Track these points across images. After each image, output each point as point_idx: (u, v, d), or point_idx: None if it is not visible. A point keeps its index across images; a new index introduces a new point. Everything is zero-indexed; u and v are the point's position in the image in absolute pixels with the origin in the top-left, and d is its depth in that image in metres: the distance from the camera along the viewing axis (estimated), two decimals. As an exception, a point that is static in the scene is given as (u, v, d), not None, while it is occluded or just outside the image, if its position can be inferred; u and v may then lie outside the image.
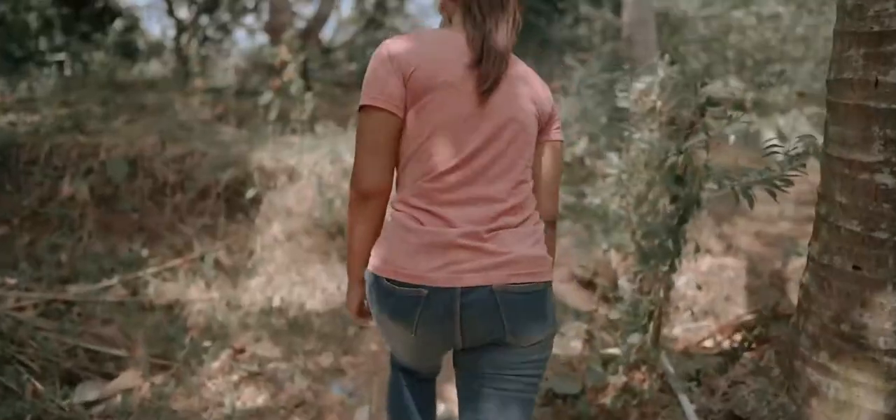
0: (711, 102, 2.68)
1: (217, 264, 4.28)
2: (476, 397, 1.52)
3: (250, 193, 4.57)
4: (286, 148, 5.35)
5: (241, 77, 13.37)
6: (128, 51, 14.05)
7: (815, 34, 10.27)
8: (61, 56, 10.35)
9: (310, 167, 5.00)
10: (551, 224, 1.61)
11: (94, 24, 12.70)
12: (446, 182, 1.42)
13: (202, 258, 4.21)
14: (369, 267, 1.49)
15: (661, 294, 2.99)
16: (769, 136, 12.57)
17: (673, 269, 2.90)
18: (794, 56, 10.02)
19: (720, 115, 2.76)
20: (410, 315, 1.42)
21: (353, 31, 18.47)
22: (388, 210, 1.52)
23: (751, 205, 2.49)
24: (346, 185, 4.91)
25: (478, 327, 1.42)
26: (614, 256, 4.26)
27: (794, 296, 4.46)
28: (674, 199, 2.82)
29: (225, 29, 16.06)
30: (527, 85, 1.51)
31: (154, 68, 14.66)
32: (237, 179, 4.74)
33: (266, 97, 7.50)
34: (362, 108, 1.42)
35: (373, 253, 1.50)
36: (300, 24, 10.12)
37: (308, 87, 7.79)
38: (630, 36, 7.79)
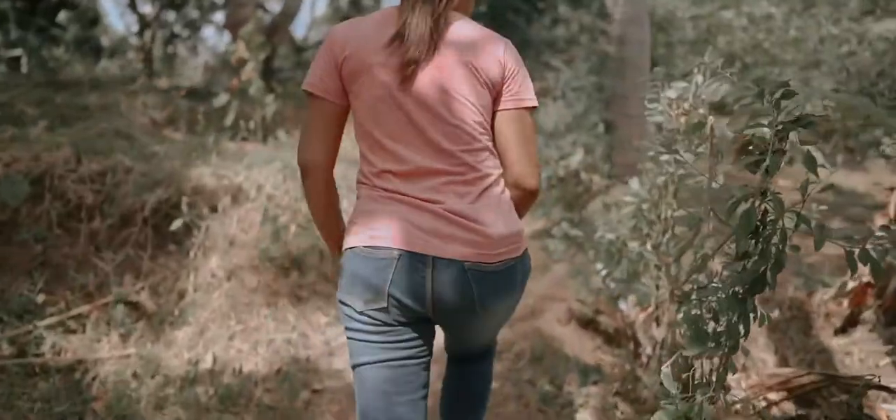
0: (804, 121, 1.79)
1: (137, 310, 3.32)
2: (446, 333, 1.69)
3: (181, 220, 3.60)
4: (235, 161, 4.39)
5: (210, 76, 12.33)
6: (91, 47, 12.95)
7: (809, 36, 9.55)
8: (18, 52, 9.26)
9: (260, 185, 4.05)
10: (525, 192, 1.54)
11: (51, 18, 11.47)
12: (390, 157, 1.43)
13: (116, 303, 3.24)
14: (344, 248, 1.48)
15: (716, 378, 2.12)
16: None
17: (735, 349, 2.03)
18: (784, 59, 9.29)
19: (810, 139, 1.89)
20: (381, 280, 1.40)
21: (327, 31, 17.49)
22: (357, 189, 1.53)
23: (877, 275, 1.61)
24: (303, 207, 3.98)
25: (447, 299, 1.42)
26: (633, 305, 3.38)
27: (828, 338, 3.67)
28: (743, 255, 1.96)
29: (193, 25, 14.95)
30: (469, 52, 1.45)
31: (117, 66, 13.60)
32: (169, 202, 3.77)
33: (221, 99, 6.52)
34: (305, 91, 1.48)
35: (346, 235, 1.49)
36: (267, 20, 9.10)
37: (270, 89, 6.82)
38: (622, 34, 6.94)
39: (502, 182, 1.51)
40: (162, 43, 14.89)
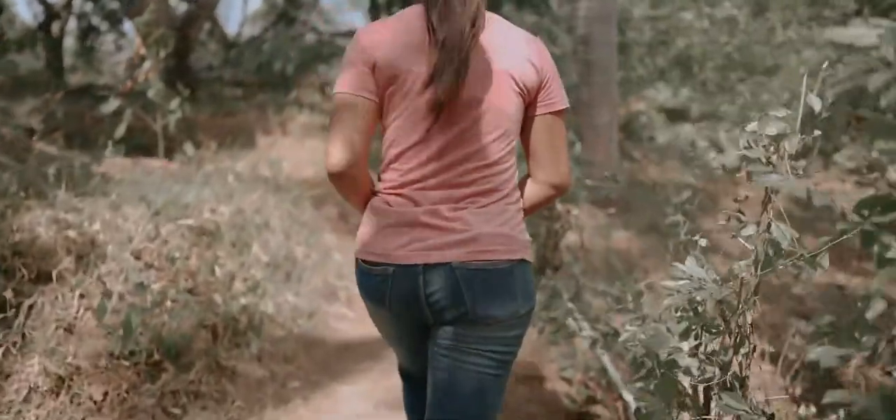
0: None
1: None
2: (433, 365, 1.44)
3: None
4: (98, 195, 3.04)
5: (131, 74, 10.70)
6: (-6, 39, 11.06)
7: (770, 38, 8.78)
8: None
9: (127, 236, 2.73)
10: (558, 189, 1.47)
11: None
12: (410, 166, 1.36)
13: None
14: (354, 251, 1.45)
15: None
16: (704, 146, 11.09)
17: None
18: (744, 63, 8.49)
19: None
20: (381, 293, 1.38)
21: (264, 25, 16.03)
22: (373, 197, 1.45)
23: None
24: (190, 266, 2.69)
25: (441, 303, 1.35)
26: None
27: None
28: None
29: (113, 17, 13.12)
30: (505, 57, 1.35)
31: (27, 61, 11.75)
32: (-21, 266, 2.41)
33: (110, 105, 5.08)
34: (336, 92, 1.37)
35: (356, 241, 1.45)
36: (181, 10, 7.60)
37: (177, 92, 5.42)
38: (587, 34, 5.88)
39: (514, 194, 1.43)
40: (78, 36, 13.00)
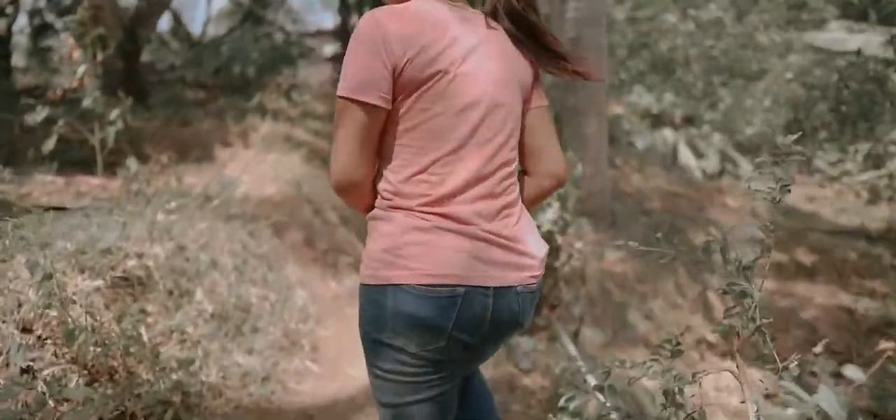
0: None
1: None
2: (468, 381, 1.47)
3: None
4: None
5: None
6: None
7: (751, 42, 8.34)
8: None
9: (16, 299, 2.04)
10: (558, 181, 1.41)
11: None
12: (448, 175, 1.22)
13: None
14: (379, 281, 1.20)
15: None
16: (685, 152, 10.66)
17: None
18: (730, 68, 8.05)
19: None
20: (446, 318, 1.19)
21: (230, 25, 15.19)
22: (386, 211, 1.24)
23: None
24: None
25: (503, 324, 1.27)
26: None
27: None
28: None
29: (69, 13, 12.12)
30: (510, 58, 1.30)
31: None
32: None
33: (37, 114, 4.33)
34: (347, 99, 1.19)
35: (378, 265, 1.20)
36: (130, 7, 6.80)
37: (119, 99, 4.68)
38: (576, 37, 5.29)
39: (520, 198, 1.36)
40: (31, 35, 11.99)
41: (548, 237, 3.14)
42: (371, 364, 1.28)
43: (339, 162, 1.22)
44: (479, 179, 1.23)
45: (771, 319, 1.66)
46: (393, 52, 1.16)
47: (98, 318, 2.18)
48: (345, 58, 1.21)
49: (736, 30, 7.90)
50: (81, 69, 4.34)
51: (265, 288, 3.32)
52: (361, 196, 1.28)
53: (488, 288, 1.21)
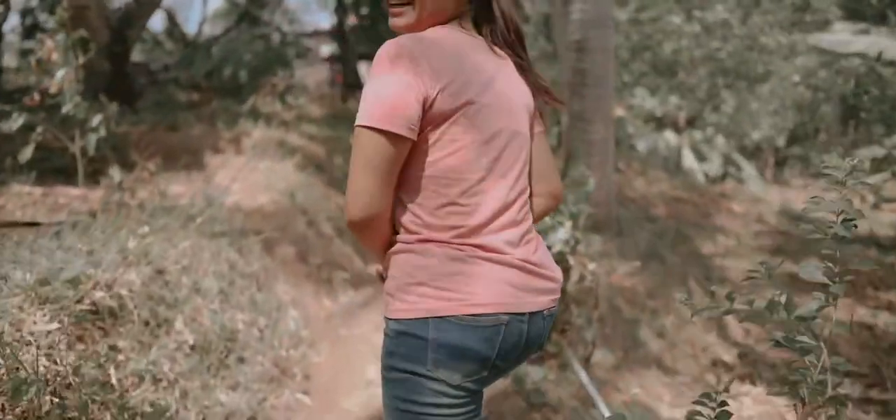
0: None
1: None
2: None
3: None
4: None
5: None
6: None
7: (755, 44, 8.08)
8: None
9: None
10: (557, 201, 1.45)
11: None
12: (478, 204, 1.20)
13: None
14: (420, 314, 1.16)
15: None
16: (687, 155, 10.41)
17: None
18: (737, 70, 7.78)
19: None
20: (491, 347, 1.17)
21: (226, 25, 14.91)
22: (417, 244, 1.21)
23: None
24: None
25: (530, 349, 1.27)
26: None
27: None
28: None
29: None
30: (520, 87, 1.29)
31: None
32: None
33: (13, 121, 4.04)
34: (371, 128, 1.11)
35: (417, 299, 1.17)
36: (117, 7, 6.50)
37: (102, 105, 4.40)
38: (582, 40, 5.03)
39: None
40: (22, 35, 11.68)
41: (559, 258, 2.87)
42: (402, 399, 1.21)
43: (359, 195, 1.15)
44: (504, 208, 1.22)
45: (841, 383, 1.40)
46: (425, 82, 1.12)
47: (59, 361, 1.90)
48: (368, 86, 1.14)
49: (742, 31, 7.64)
50: (60, 73, 4.05)
51: (253, 311, 3.04)
52: (380, 232, 1.22)
53: (524, 314, 1.21)
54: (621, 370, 3.68)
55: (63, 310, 2.08)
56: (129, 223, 3.06)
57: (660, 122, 9.52)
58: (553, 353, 3.00)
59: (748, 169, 10.13)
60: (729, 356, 4.01)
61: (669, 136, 10.60)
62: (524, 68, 1.32)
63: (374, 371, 3.27)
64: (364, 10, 12.68)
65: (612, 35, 5.38)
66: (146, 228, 2.81)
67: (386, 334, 1.22)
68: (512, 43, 1.30)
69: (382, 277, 1.33)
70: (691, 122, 8.56)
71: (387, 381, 1.22)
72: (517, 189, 1.25)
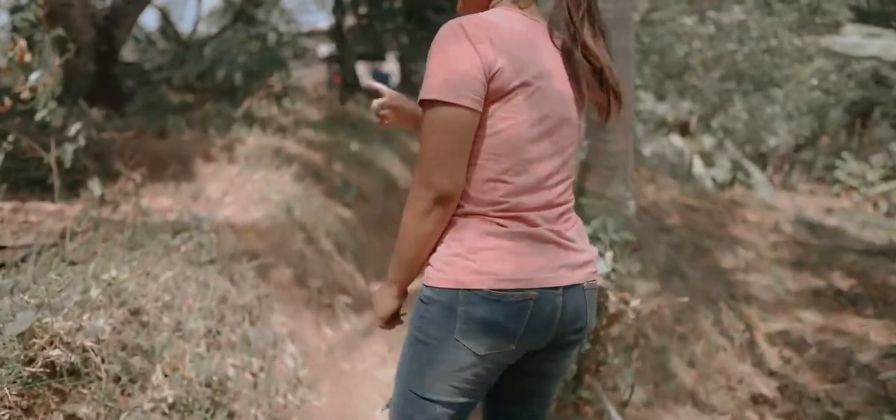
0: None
1: None
2: (527, 397, 1.39)
3: None
4: None
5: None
6: None
7: (768, 46, 7.71)
8: None
9: None
10: None
11: None
12: (520, 183, 1.22)
13: None
14: (451, 285, 1.20)
15: None
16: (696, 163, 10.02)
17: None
18: (751, 74, 7.40)
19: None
20: (518, 322, 1.20)
21: (222, 24, 14.45)
22: (460, 218, 1.24)
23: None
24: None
25: (568, 325, 1.27)
26: None
27: None
28: None
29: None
30: (571, 79, 1.29)
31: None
32: None
33: (-20, 132, 3.61)
34: (442, 103, 1.15)
35: (450, 270, 1.21)
36: (102, 6, 6.03)
37: (83, 111, 3.98)
38: (602, 42, 4.65)
39: None
40: (12, 32, 11.14)
41: (600, 292, 2.47)
42: (427, 362, 1.25)
43: (439, 169, 1.16)
44: (545, 188, 1.24)
45: None
46: (487, 59, 1.15)
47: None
48: (430, 65, 1.17)
49: (758, 34, 7.26)
50: (34, 76, 3.62)
51: (245, 352, 2.63)
52: (448, 216, 1.23)
53: (558, 288, 1.22)
54: (654, 407, 3.29)
55: (11, 374, 1.67)
56: (104, 248, 2.64)
57: (669, 127, 9.13)
58: (588, 399, 2.60)
59: (757, 174, 9.77)
60: (768, 389, 3.62)
61: (676, 140, 10.21)
62: (575, 61, 1.26)
63: (380, 415, 2.87)
64: (362, 10, 12.24)
65: (632, 37, 4.98)
66: (123, 268, 2.38)
67: (420, 300, 1.26)
68: (575, 24, 1.24)
69: (390, 320, 1.33)
70: (703, 127, 8.19)
71: (415, 343, 1.26)
72: (562, 174, 1.26)
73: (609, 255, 2.42)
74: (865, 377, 3.84)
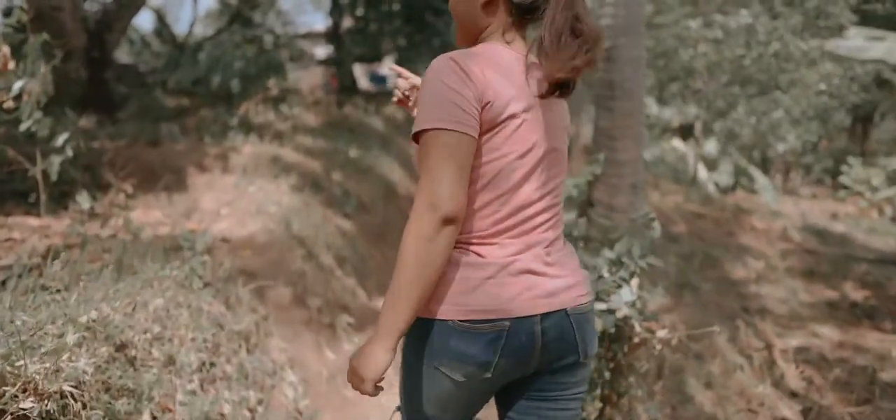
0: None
1: None
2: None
3: None
4: None
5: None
6: None
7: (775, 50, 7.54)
8: None
9: None
10: None
11: None
12: (503, 213, 1.23)
13: None
14: (426, 315, 1.22)
15: None
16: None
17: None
18: (758, 79, 7.24)
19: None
20: (490, 353, 1.20)
21: (218, 27, 14.25)
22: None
23: None
24: None
25: (557, 351, 1.26)
26: None
27: None
28: None
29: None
30: (560, 105, 1.32)
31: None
32: None
33: (-42, 143, 3.40)
34: (443, 129, 1.15)
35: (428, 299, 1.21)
36: (94, 8, 5.82)
37: (70, 121, 3.77)
38: (613, 48, 4.45)
39: None
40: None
41: (625, 322, 2.28)
42: (412, 384, 1.28)
43: (444, 190, 1.14)
44: (531, 217, 1.25)
45: None
46: (478, 91, 1.17)
47: None
48: (425, 96, 1.18)
49: (765, 38, 7.09)
50: (18, 84, 3.42)
51: (242, 385, 2.43)
52: (452, 241, 1.18)
53: (535, 316, 1.21)
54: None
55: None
56: (90, 272, 2.44)
57: (668, 130, 8.96)
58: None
59: (761, 179, 9.61)
60: (791, 412, 3.44)
61: (677, 144, 10.03)
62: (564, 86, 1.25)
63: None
64: (360, 12, 12.03)
65: (643, 43, 4.80)
66: (109, 294, 2.18)
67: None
68: (557, 53, 1.20)
69: (376, 388, 1.23)
70: (706, 132, 8.02)
71: (402, 368, 1.31)
72: (548, 202, 1.27)
73: (634, 282, 2.23)
74: (890, 397, 3.67)
